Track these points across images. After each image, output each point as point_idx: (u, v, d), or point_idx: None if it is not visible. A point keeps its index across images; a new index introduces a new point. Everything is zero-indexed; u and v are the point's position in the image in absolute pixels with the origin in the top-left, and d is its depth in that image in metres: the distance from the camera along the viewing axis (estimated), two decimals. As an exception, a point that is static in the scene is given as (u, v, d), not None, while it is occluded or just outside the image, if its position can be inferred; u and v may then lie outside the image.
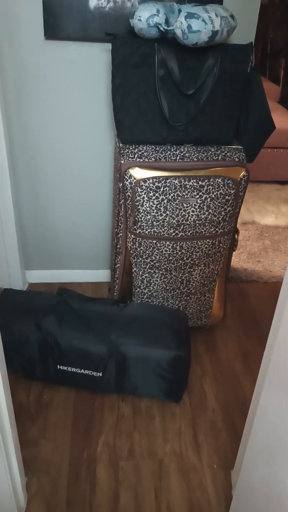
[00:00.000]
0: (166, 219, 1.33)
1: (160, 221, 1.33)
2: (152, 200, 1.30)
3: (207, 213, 1.34)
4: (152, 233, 1.36)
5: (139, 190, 1.29)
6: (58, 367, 1.37)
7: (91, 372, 1.35)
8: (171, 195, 1.30)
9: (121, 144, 1.36)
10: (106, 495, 1.18)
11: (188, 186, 1.30)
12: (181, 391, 1.42)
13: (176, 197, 1.30)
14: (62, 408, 1.40)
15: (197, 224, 1.36)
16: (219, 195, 1.32)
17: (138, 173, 1.29)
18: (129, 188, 1.30)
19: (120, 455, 1.28)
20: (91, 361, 1.33)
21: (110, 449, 1.29)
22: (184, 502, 1.18)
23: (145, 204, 1.31)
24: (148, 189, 1.29)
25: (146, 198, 1.30)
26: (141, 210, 1.32)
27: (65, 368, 1.36)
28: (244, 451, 1.07)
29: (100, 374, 1.35)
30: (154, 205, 1.31)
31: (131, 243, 1.40)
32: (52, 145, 1.64)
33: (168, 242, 1.38)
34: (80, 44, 1.46)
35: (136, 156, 1.31)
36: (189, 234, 1.37)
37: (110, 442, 1.31)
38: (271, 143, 2.80)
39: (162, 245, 1.38)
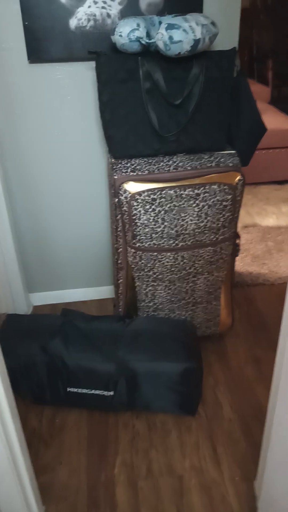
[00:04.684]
0: (164, 230, 1.32)
1: (159, 233, 1.32)
2: (149, 212, 1.29)
3: (205, 220, 1.33)
4: (152, 245, 1.35)
5: (135, 203, 1.28)
6: (68, 389, 1.35)
7: (102, 392, 1.33)
8: (168, 205, 1.29)
9: (113, 160, 1.35)
10: (127, 518, 1.15)
11: (184, 196, 1.29)
12: (195, 403, 1.40)
13: (173, 207, 1.29)
14: (75, 430, 1.38)
15: (197, 233, 1.34)
16: (216, 202, 1.31)
17: (132, 187, 1.28)
18: (124, 202, 1.29)
19: (138, 474, 1.25)
20: (101, 381, 1.31)
21: (128, 469, 1.27)
22: (207, 518, 1.15)
23: (142, 217, 1.30)
24: (144, 202, 1.28)
25: (142, 211, 1.29)
26: (138, 224, 1.31)
27: (75, 390, 1.34)
28: (265, 462, 1.04)
29: (112, 393, 1.33)
30: (152, 218, 1.30)
31: (132, 257, 1.39)
32: (45, 167, 1.64)
33: (169, 253, 1.37)
34: (64, 64, 1.47)
35: (129, 170, 1.30)
36: (189, 243, 1.36)
37: (127, 461, 1.29)
38: (266, 144, 2.79)
39: (163, 256, 1.37)
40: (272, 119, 2.88)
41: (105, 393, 1.33)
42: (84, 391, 1.33)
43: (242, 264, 2.16)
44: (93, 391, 1.33)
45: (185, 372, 1.30)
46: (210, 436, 1.35)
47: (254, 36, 3.77)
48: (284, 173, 2.93)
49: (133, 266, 1.41)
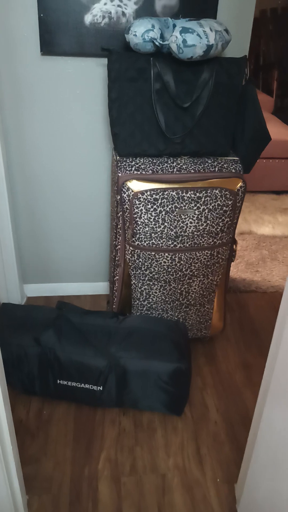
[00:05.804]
0: (164, 231, 1.33)
1: (159, 233, 1.34)
2: (150, 212, 1.30)
3: (205, 224, 1.34)
4: (151, 245, 1.36)
5: (137, 202, 1.29)
6: (58, 381, 1.35)
7: (91, 386, 1.34)
8: (169, 207, 1.30)
9: (118, 157, 1.36)
10: (108, 513, 1.16)
11: (185, 198, 1.30)
12: (182, 403, 1.41)
13: (174, 208, 1.31)
14: (62, 423, 1.38)
15: (195, 235, 1.36)
16: (216, 206, 1.33)
17: (135, 185, 1.29)
18: (127, 200, 1.30)
19: (122, 470, 1.26)
20: (91, 375, 1.32)
21: (112, 465, 1.27)
22: (188, 518, 1.16)
23: (143, 216, 1.31)
24: (146, 201, 1.29)
25: (144, 210, 1.30)
26: (139, 222, 1.32)
27: (65, 382, 1.35)
28: (248, 465, 1.05)
29: (101, 388, 1.34)
30: (152, 217, 1.31)
31: (130, 255, 1.40)
32: (49, 159, 1.64)
33: (166, 254, 1.38)
34: (76, 59, 1.48)
35: (133, 168, 1.31)
36: (187, 245, 1.37)
37: (112, 457, 1.29)
38: (267, 153, 2.82)
39: (160, 256, 1.38)
40: (274, 130, 2.90)
41: (94, 387, 1.33)
42: (74, 384, 1.34)
43: (236, 270, 2.18)
44: (82, 385, 1.34)
45: (175, 372, 1.32)
46: (195, 437, 1.37)
47: (262, 46, 3.80)
48: (282, 183, 2.96)
49: (130, 264, 1.42)
